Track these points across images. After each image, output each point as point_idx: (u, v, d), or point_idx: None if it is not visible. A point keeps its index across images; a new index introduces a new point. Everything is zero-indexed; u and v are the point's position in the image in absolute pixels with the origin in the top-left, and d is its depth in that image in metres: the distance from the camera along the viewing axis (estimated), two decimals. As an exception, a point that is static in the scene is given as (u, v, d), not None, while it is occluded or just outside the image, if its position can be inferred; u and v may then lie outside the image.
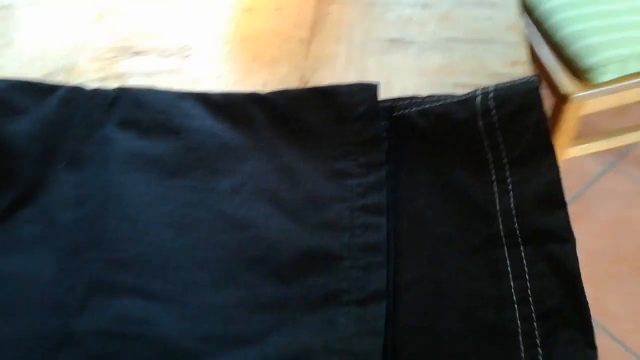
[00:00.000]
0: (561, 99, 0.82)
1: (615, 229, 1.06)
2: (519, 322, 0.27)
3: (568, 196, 1.12)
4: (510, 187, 0.31)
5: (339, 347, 0.27)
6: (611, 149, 1.16)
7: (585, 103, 0.81)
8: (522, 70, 0.39)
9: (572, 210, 1.07)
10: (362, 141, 0.34)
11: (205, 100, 0.37)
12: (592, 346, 0.25)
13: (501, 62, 0.39)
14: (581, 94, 0.80)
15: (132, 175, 0.34)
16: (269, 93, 0.36)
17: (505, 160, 0.31)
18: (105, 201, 0.33)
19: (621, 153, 1.17)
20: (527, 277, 0.28)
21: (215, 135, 0.35)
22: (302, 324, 0.28)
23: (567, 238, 0.28)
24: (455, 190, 0.32)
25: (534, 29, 0.86)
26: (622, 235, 1.05)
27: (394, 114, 0.35)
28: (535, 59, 0.85)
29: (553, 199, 0.29)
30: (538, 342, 0.26)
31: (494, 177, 0.31)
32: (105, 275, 0.30)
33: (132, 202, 0.33)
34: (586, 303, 0.26)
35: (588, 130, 1.17)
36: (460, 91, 0.35)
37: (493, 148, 0.32)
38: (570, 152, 0.92)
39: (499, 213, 0.30)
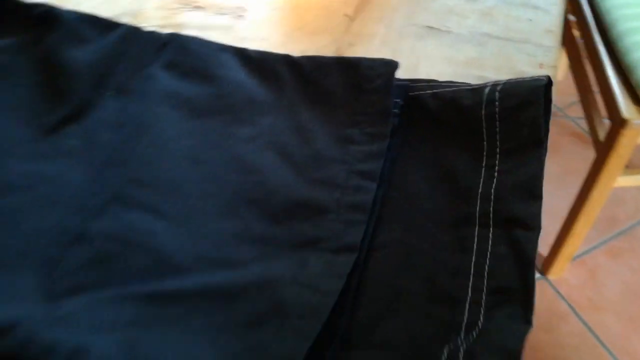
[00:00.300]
0: (619, 123, 0.80)
1: (660, 270, 1.02)
2: (470, 292, 0.29)
3: (618, 228, 1.09)
4: (496, 174, 0.32)
5: (304, 282, 0.29)
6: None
7: (644, 132, 0.79)
8: (548, 73, 0.40)
9: (619, 243, 1.05)
10: (373, 112, 0.36)
11: (243, 54, 0.40)
12: (528, 322, 0.27)
13: (529, 63, 0.40)
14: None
15: (165, 110, 0.38)
16: (299, 57, 0.39)
17: (498, 150, 0.33)
18: (138, 128, 0.37)
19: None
20: (488, 255, 0.30)
21: (245, 87, 0.39)
22: (280, 260, 0.31)
23: (534, 226, 0.29)
24: (448, 171, 0.34)
25: (604, 48, 0.85)
26: (666, 277, 1.02)
27: (409, 94, 0.37)
28: (601, 79, 0.84)
29: (531, 190, 0.31)
30: (482, 310, 0.28)
31: (484, 164, 0.33)
32: (125, 190, 0.35)
33: (161, 132, 0.37)
34: (533, 286, 0.27)
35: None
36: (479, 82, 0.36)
37: (490, 137, 0.33)
38: (622, 180, 0.89)
39: (479, 196, 0.32)
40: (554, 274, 1.03)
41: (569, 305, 0.99)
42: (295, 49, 0.43)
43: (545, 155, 0.32)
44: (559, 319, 0.98)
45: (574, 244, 0.98)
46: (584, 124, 1.27)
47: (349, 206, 0.33)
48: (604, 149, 0.85)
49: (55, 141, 0.39)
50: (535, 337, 0.94)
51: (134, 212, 0.34)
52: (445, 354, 0.26)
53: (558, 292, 1.01)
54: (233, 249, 0.32)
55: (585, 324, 0.97)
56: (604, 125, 0.88)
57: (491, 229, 0.31)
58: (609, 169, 0.85)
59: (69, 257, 0.32)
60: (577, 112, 1.30)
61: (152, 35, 0.42)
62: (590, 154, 0.89)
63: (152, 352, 0.27)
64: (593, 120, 0.92)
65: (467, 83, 0.37)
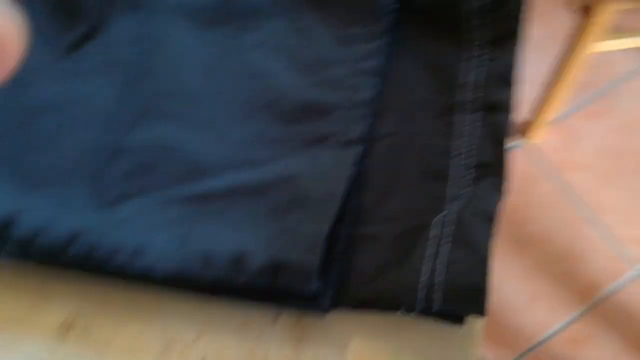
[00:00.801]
0: (599, -8, 0.82)
1: (631, 129, 1.09)
2: (456, 169, 0.35)
3: (595, 91, 1.14)
4: (474, 65, 0.37)
5: (319, 173, 0.35)
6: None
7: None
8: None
9: (595, 106, 1.11)
10: (371, 10, 0.39)
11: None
12: (504, 190, 0.33)
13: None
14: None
15: (179, 22, 0.40)
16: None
17: (477, 43, 0.37)
18: (156, 42, 0.40)
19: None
20: (470, 137, 0.36)
21: None
22: (295, 156, 0.36)
23: (506, 110, 0.35)
24: (434, 62, 0.38)
25: None
26: (636, 135, 1.09)
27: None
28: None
29: (506, 78, 0.36)
30: (466, 184, 0.34)
31: (465, 56, 0.38)
32: (153, 103, 0.38)
33: (177, 44, 0.39)
34: (507, 159, 0.34)
35: (626, 28, 1.15)
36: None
37: (471, 29, 0.38)
38: (602, 45, 0.92)
39: (461, 85, 0.37)
40: (534, 137, 1.10)
41: (545, 167, 1.07)
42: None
43: (519, 43, 0.36)
44: (534, 181, 1.06)
45: (553, 108, 1.03)
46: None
47: (354, 103, 0.37)
48: (585, 14, 0.87)
49: (77, 60, 0.41)
50: (515, 199, 1.03)
51: (164, 123, 0.38)
52: (438, 219, 0.33)
53: (535, 156, 1.09)
54: (253, 151, 0.37)
55: (558, 182, 1.06)
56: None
57: (472, 113, 0.36)
58: (590, 34, 0.88)
59: (111, 169, 0.37)
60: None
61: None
62: (572, 19, 0.91)
63: (202, 241, 0.33)
64: (576, -15, 0.93)
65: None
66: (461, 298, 0.30)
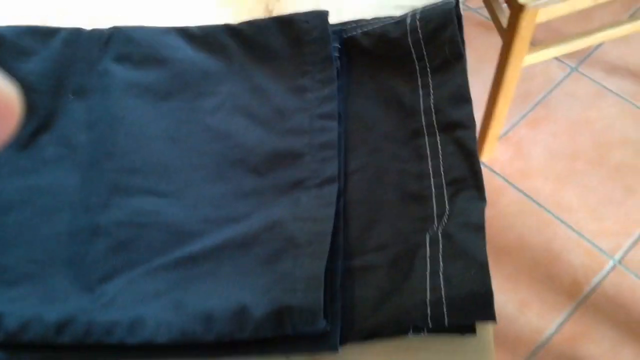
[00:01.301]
0: (517, 8, 0.88)
1: (574, 129, 1.15)
2: (433, 189, 0.36)
3: (533, 101, 1.20)
4: (431, 90, 0.39)
5: (303, 216, 0.35)
6: (573, 54, 1.23)
7: (539, 11, 0.88)
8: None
9: (536, 114, 1.17)
10: (317, 60, 0.41)
11: (186, 33, 0.44)
12: (482, 199, 0.34)
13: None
14: (535, 2, 0.86)
15: (132, 101, 0.41)
16: (238, 24, 0.43)
17: (428, 69, 0.39)
18: (112, 123, 0.41)
19: (582, 57, 1.25)
20: (440, 156, 0.37)
21: (196, 63, 0.43)
22: (276, 205, 0.37)
23: (469, 125, 0.37)
24: (392, 95, 0.40)
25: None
26: (581, 134, 1.15)
27: (344, 36, 0.42)
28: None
29: (461, 97, 0.38)
30: (446, 200, 0.35)
31: (419, 83, 0.39)
32: (120, 181, 0.39)
33: (134, 122, 0.40)
34: (480, 170, 0.35)
35: (552, 37, 1.23)
36: (399, 12, 0.42)
37: (419, 59, 0.40)
38: (529, 59, 0.99)
39: (422, 111, 0.39)
40: (486, 155, 1.14)
41: (504, 179, 1.11)
42: (228, 12, 0.47)
43: (465, 64, 0.39)
44: (498, 193, 1.10)
45: (498, 124, 1.08)
46: (486, 12, 1.35)
47: (319, 146, 0.38)
48: (508, 34, 0.93)
49: (34, 154, 0.41)
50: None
51: (136, 198, 0.38)
52: (428, 239, 0.34)
53: (492, 171, 1.13)
54: (232, 208, 0.38)
55: (520, 191, 1.10)
56: (504, 11, 0.96)
57: (437, 135, 0.37)
58: (516, 51, 0.94)
59: (92, 250, 0.37)
60: (477, 2, 1.38)
61: (94, 33, 0.44)
62: (497, 41, 0.98)
63: (199, 302, 0.33)
64: (493, 8, 1.00)
65: (390, 16, 0.42)
66: (469, 307, 0.30)
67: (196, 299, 0.33)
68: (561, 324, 0.96)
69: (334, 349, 0.32)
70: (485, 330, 0.32)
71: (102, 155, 0.40)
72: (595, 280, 1.00)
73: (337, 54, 0.42)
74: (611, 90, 1.19)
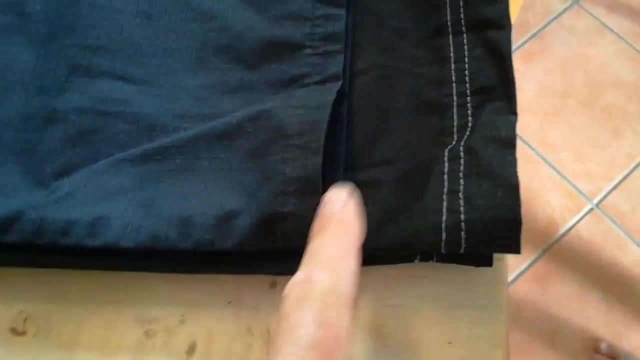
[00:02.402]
0: None
1: (568, 66, 1.11)
2: (455, 97, 0.31)
3: (529, 32, 1.14)
4: None
5: (296, 104, 0.30)
6: (577, -14, 1.17)
7: None
8: None
9: (531, 47, 1.11)
10: None
11: None
12: (513, 112, 0.29)
13: None
14: None
15: None
16: None
17: None
18: (73, -11, 0.33)
19: (585, -10, 1.18)
20: (466, 59, 0.31)
21: None
22: (267, 104, 0.31)
23: (504, 25, 0.31)
24: None
25: None
26: (574, 72, 1.10)
27: None
28: None
29: None
30: (469, 112, 0.30)
31: None
32: (82, 60, 0.32)
33: None
34: (513, 79, 0.29)
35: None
36: None
37: None
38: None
39: (448, 4, 0.33)
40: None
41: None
42: None
43: None
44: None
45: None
46: None
47: (322, 38, 0.32)
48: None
49: None
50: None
51: (100, 82, 0.32)
52: (446, 155, 0.29)
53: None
54: (215, 102, 0.32)
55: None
56: None
57: (464, 34, 0.32)
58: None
59: (47, 138, 0.31)
60: None
61: None
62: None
63: (172, 203, 0.28)
64: None
65: None
66: (492, 235, 0.26)
67: (169, 199, 0.28)
68: (533, 262, 0.96)
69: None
70: (502, 261, 0.28)
71: (60, 28, 0.33)
72: (571, 222, 0.99)
73: None
74: (611, 29, 1.14)
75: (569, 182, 1.01)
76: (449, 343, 0.27)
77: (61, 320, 0.29)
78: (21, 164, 0.31)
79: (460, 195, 0.27)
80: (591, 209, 0.99)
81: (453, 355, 0.27)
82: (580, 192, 1.01)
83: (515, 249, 0.26)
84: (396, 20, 0.34)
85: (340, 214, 0.24)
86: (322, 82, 0.31)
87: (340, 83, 0.31)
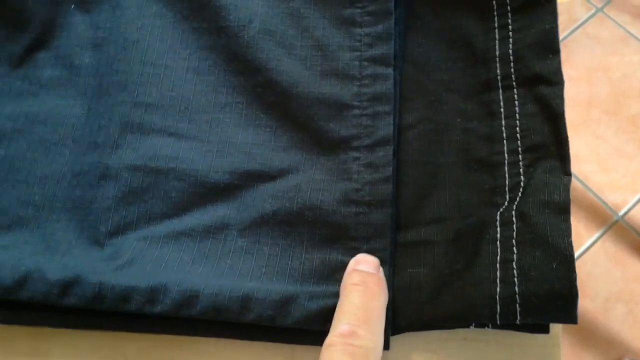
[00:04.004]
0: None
1: (592, 75, 1.10)
2: (506, 155, 0.30)
3: (552, 41, 1.13)
4: (510, 33, 0.32)
5: (355, 198, 0.30)
6: (601, -7, 1.15)
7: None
8: None
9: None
10: None
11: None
12: (567, 173, 0.28)
13: None
14: None
15: (149, 20, 0.34)
16: None
17: (508, 8, 0.33)
18: (124, 45, 0.34)
19: (610, -2, 1.17)
20: (517, 116, 0.31)
21: None
22: (318, 165, 0.31)
23: (557, 81, 0.30)
24: (459, 36, 0.33)
25: None
26: (598, 81, 1.09)
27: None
28: None
29: (549, 45, 0.31)
30: (521, 171, 0.30)
31: (496, 24, 0.33)
32: (134, 116, 0.32)
33: (151, 46, 0.33)
34: (566, 137, 0.29)
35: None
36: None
37: None
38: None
39: (497, 58, 0.32)
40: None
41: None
42: None
43: (556, 4, 0.32)
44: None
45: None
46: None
47: (371, 98, 0.32)
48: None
49: (29, 74, 0.35)
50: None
51: (152, 138, 0.32)
52: (498, 218, 0.29)
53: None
54: (264, 159, 0.32)
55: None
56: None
57: (515, 89, 0.31)
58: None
59: (100, 196, 0.31)
60: None
61: None
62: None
63: (233, 279, 0.28)
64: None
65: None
66: (547, 308, 0.26)
67: (230, 277, 0.29)
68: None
69: (385, 347, 0.27)
70: (557, 325, 0.28)
71: (111, 84, 0.33)
72: (596, 235, 0.98)
73: None
74: (636, 37, 1.13)
75: (594, 193, 1.01)
76: (504, 408, 0.28)
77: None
78: (75, 221, 0.31)
79: (514, 265, 0.27)
80: (616, 221, 0.99)
81: (508, 420, 0.27)
82: (605, 204, 1.00)
83: (572, 320, 0.26)
84: (444, 73, 0.33)
85: (377, 276, 0.27)
86: (373, 145, 0.31)
87: (391, 149, 0.31)
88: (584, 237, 0.97)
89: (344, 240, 0.29)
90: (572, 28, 1.14)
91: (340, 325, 0.24)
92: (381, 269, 0.28)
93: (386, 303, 0.27)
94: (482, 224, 0.29)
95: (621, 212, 0.99)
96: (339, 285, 0.28)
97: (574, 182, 1.02)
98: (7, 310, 0.29)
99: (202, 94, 0.33)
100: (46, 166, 0.33)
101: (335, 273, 0.29)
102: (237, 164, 0.32)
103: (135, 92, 0.33)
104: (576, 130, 1.05)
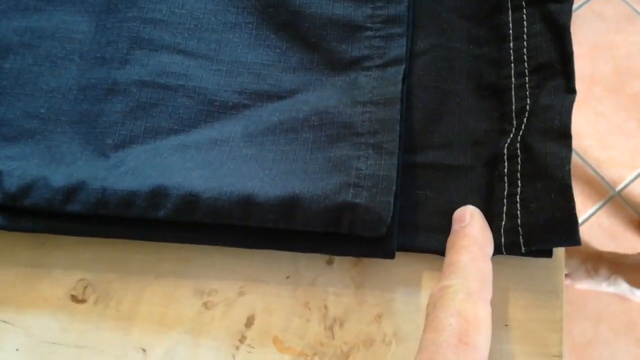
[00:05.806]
0: None
1: (596, 53, 1.09)
2: (513, 78, 0.30)
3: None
4: None
5: (362, 99, 0.30)
6: (608, -29, 1.14)
7: None
8: None
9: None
10: None
11: None
12: (572, 91, 0.28)
13: None
14: None
15: None
16: None
17: None
18: (134, -40, 0.33)
19: (617, -25, 1.16)
20: (524, 37, 0.31)
21: None
22: (328, 84, 0.31)
23: None
24: None
25: None
26: (602, 59, 1.09)
27: None
28: None
29: None
30: (527, 93, 0.30)
31: None
32: (143, 33, 0.32)
33: None
34: (572, 53, 0.29)
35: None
36: None
37: None
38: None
39: None
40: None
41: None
42: None
43: None
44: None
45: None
46: None
47: (384, 20, 0.32)
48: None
49: None
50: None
51: (161, 55, 0.32)
52: (506, 154, 0.29)
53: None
54: (274, 80, 0.32)
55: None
56: None
57: (524, 9, 0.31)
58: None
59: (107, 110, 0.31)
60: None
61: None
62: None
63: (234, 181, 0.28)
64: None
65: None
66: (548, 236, 0.26)
67: (231, 178, 0.28)
68: (553, 248, 0.96)
69: (389, 255, 0.28)
70: (560, 250, 0.29)
71: (120, 0, 0.33)
72: (592, 209, 0.99)
73: None
74: (641, 16, 1.12)
75: (592, 168, 1.01)
76: (504, 325, 0.28)
77: (121, 290, 0.30)
78: (81, 134, 0.31)
79: (517, 199, 0.27)
80: (613, 197, 0.99)
81: (508, 337, 0.28)
82: (602, 178, 1.00)
83: (575, 242, 0.26)
84: (456, 0, 0.33)
85: (467, 228, 0.27)
86: (384, 65, 0.31)
87: (402, 67, 0.31)
88: (580, 211, 0.98)
89: (349, 137, 0.29)
90: (578, 4, 1.13)
91: (436, 286, 0.25)
92: (476, 214, 0.28)
93: (484, 245, 0.27)
94: (493, 158, 0.30)
95: (618, 188, 1.00)
96: (342, 179, 0.27)
97: (574, 157, 1.02)
98: (11, 216, 0.29)
99: (212, 12, 0.33)
100: (52, 80, 0.32)
101: (345, 172, 0.28)
102: (247, 84, 0.32)
103: (144, 8, 0.33)
104: (577, 107, 1.05)
